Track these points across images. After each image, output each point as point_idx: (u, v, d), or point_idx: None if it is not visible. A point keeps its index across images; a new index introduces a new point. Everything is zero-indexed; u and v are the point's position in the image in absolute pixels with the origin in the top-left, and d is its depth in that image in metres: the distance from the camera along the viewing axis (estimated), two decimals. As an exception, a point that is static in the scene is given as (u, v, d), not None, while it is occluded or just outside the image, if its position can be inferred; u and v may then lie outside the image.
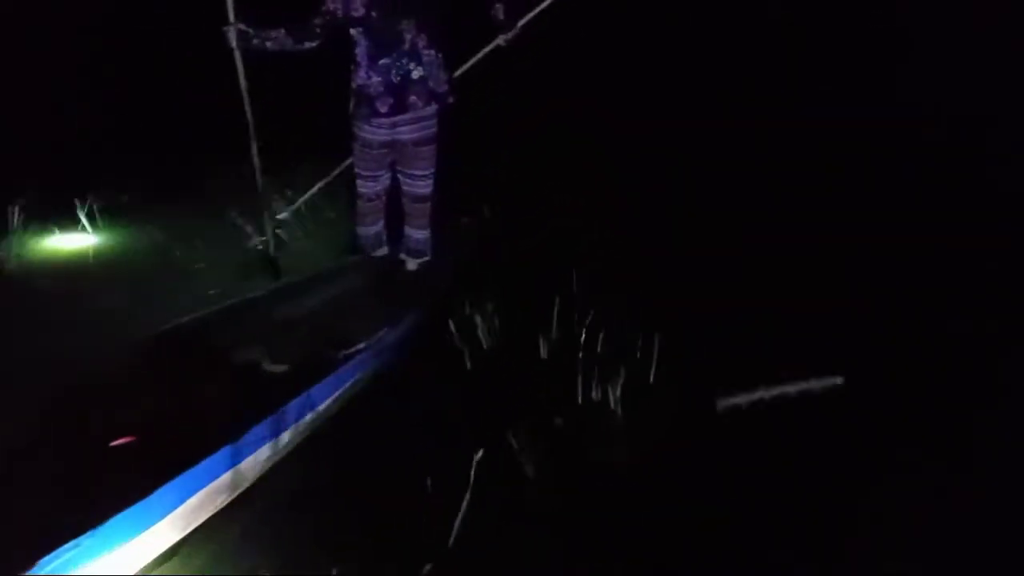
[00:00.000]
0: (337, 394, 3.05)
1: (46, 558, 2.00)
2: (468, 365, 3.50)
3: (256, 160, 3.94)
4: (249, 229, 4.36)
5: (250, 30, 3.58)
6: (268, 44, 3.59)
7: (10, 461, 2.40)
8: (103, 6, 6.94)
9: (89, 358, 3.00)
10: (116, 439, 2.56)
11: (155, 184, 4.78)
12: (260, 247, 4.27)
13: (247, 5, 3.58)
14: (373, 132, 3.75)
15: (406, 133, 3.74)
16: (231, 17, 3.58)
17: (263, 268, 4.11)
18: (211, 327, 3.24)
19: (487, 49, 3.89)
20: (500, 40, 3.80)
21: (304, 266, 4.15)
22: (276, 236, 4.23)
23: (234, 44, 3.61)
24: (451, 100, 3.82)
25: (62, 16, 6.63)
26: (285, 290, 3.76)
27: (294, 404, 2.80)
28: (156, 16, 6.85)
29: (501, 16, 3.71)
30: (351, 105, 3.75)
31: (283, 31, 3.57)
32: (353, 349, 3.19)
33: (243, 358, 3.11)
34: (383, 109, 3.66)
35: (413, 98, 3.66)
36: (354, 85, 3.69)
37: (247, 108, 3.81)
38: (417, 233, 4.14)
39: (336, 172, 4.29)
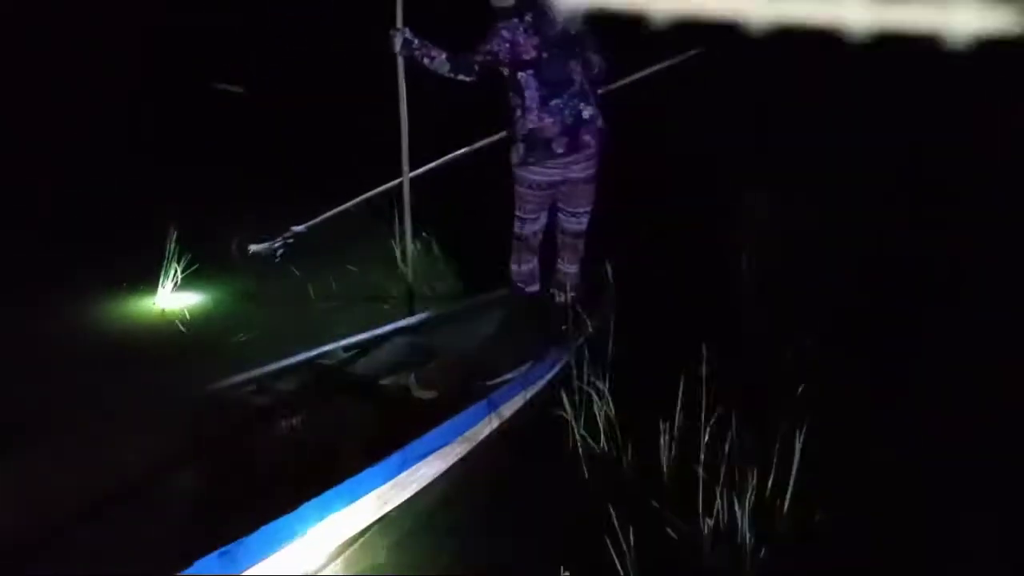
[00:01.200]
0: (482, 422, 3.06)
1: (200, 560, 2.13)
2: (578, 444, 3.12)
3: (407, 182, 4.01)
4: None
5: (415, 40, 3.67)
6: (427, 60, 3.68)
7: (169, 473, 2.65)
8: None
9: (247, 381, 3.17)
10: (274, 455, 2.82)
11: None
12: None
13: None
14: (544, 173, 3.74)
15: (578, 171, 3.74)
16: (399, 22, 3.68)
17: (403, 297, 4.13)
18: (362, 354, 3.47)
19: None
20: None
21: (453, 297, 4.26)
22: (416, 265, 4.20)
23: (398, 49, 3.70)
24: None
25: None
26: (436, 320, 3.86)
27: (439, 430, 2.83)
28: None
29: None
30: (518, 151, 3.72)
31: (445, 55, 3.65)
32: (499, 380, 3.23)
33: (394, 384, 3.28)
34: (560, 150, 3.66)
35: (587, 137, 3.69)
36: (524, 130, 3.67)
37: (403, 115, 3.90)
38: (570, 268, 4.13)
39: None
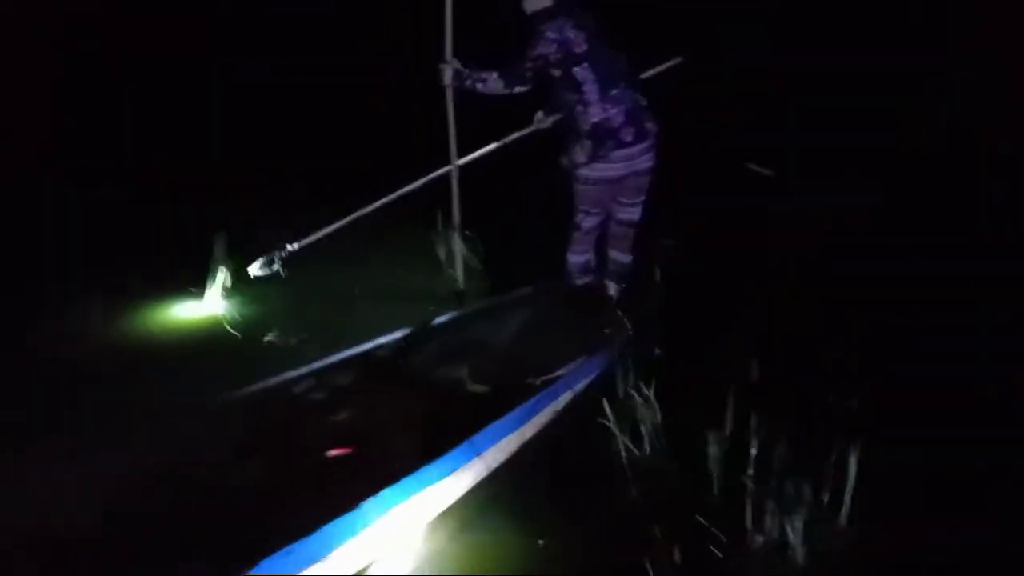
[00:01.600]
0: (532, 420, 3.00)
1: (265, 560, 2.14)
2: (623, 454, 3.00)
3: (456, 191, 4.00)
4: None
5: (464, 69, 3.69)
6: (479, 86, 3.66)
7: (230, 471, 2.69)
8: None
9: (301, 378, 3.15)
10: (329, 450, 2.81)
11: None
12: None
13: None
14: (611, 169, 3.65)
15: (644, 162, 3.66)
16: (448, 55, 3.70)
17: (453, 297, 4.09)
18: (415, 348, 3.44)
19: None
20: None
21: (503, 287, 4.13)
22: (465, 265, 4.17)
23: (448, 81, 3.72)
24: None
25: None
26: (487, 312, 3.85)
27: (492, 428, 2.79)
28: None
29: None
30: (585, 147, 3.61)
31: (495, 74, 3.62)
32: (551, 376, 3.17)
33: (447, 377, 3.28)
34: (628, 138, 3.58)
35: (649, 124, 3.64)
36: (588, 124, 3.58)
37: (452, 143, 3.92)
38: (623, 256, 4.05)
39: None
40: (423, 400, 3.11)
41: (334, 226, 4.08)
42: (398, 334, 3.47)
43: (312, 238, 4.10)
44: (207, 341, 3.91)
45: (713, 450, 2.80)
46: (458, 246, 4.18)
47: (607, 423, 2.95)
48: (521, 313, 3.88)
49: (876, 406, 2.95)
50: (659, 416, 2.98)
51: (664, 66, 4.32)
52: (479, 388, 3.26)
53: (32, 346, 3.74)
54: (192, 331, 4.00)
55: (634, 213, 3.90)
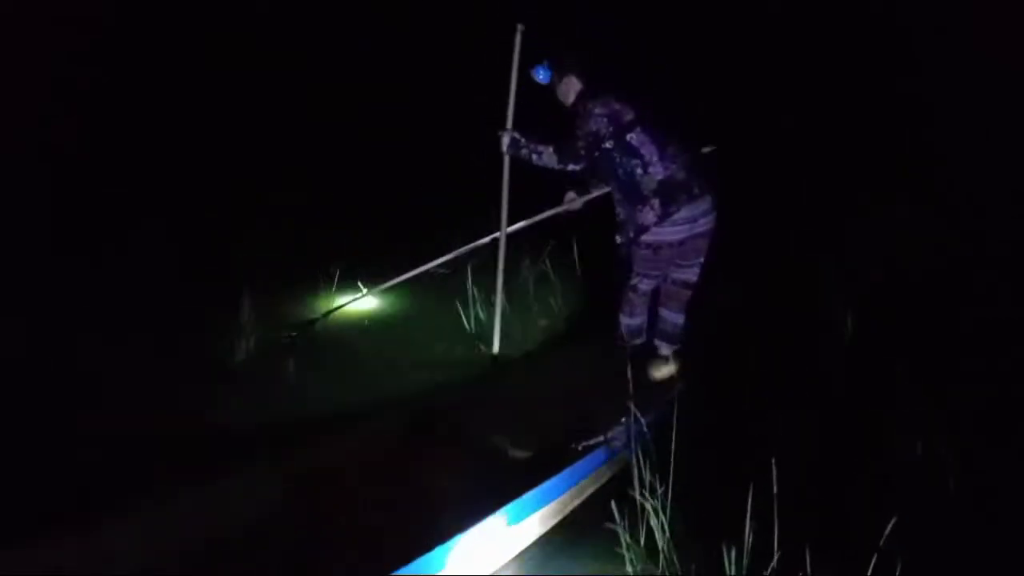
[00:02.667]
0: (572, 487, 3.00)
1: None
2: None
3: (502, 255, 4.05)
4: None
5: (522, 139, 3.80)
6: (534, 157, 3.77)
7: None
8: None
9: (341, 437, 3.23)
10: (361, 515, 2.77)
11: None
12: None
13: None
14: (675, 231, 3.64)
15: (705, 224, 3.66)
16: (509, 123, 3.85)
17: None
18: (458, 407, 3.46)
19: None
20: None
21: (554, 347, 4.26)
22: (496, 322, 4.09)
23: (505, 149, 3.84)
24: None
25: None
26: (537, 370, 3.89)
27: (530, 496, 2.75)
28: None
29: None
30: (654, 207, 3.60)
31: (551, 148, 3.72)
32: (592, 442, 3.13)
33: (489, 442, 3.26)
34: (696, 190, 3.60)
35: (705, 180, 3.66)
36: (655, 184, 3.59)
37: (503, 210, 4.00)
38: (675, 316, 3.96)
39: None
40: (459, 464, 3.08)
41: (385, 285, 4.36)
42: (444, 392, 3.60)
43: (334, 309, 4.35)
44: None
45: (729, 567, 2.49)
46: (498, 309, 4.07)
47: (615, 526, 2.68)
48: (573, 373, 3.80)
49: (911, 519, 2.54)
50: (668, 528, 2.68)
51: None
52: (520, 454, 3.22)
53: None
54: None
55: (691, 274, 3.83)
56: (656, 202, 3.59)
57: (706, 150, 4.04)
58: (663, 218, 3.59)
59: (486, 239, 4.19)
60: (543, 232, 4.54)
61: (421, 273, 4.44)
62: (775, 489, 2.47)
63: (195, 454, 3.18)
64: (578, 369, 3.85)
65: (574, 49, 3.84)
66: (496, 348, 3.98)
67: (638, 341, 4.02)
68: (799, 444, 3.12)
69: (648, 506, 2.64)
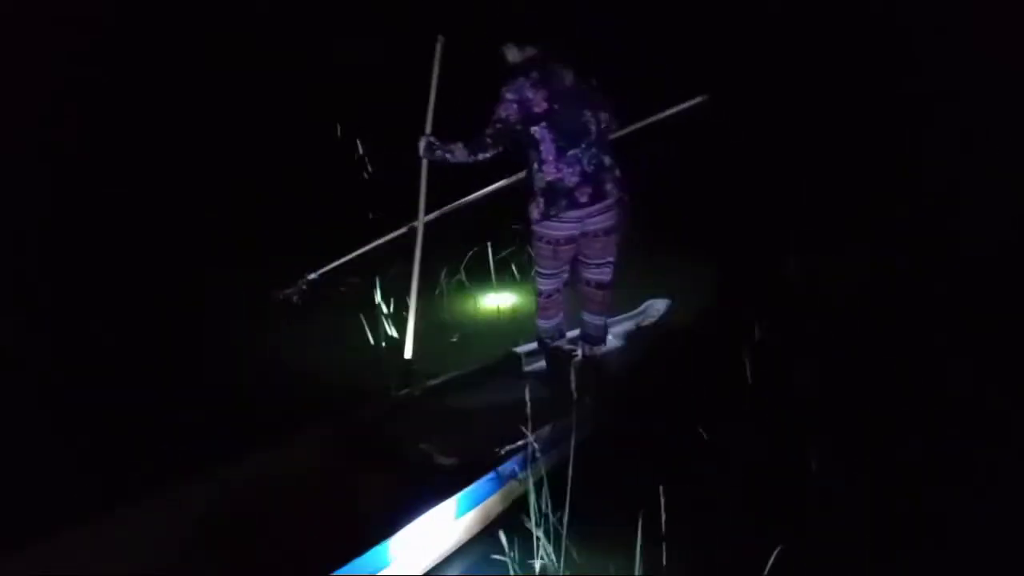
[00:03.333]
0: (500, 490, 2.98)
1: None
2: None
3: (418, 254, 3.94)
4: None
5: (436, 142, 3.73)
6: (448, 156, 3.69)
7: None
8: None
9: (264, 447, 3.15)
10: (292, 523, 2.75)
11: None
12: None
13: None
14: (563, 228, 3.61)
15: (599, 223, 3.61)
16: (428, 128, 3.81)
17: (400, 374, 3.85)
18: (385, 418, 3.45)
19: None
20: None
21: (479, 355, 4.12)
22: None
23: (422, 153, 3.77)
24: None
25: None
26: (458, 379, 3.81)
27: (457, 498, 2.76)
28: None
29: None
30: (538, 205, 3.60)
31: (461, 144, 3.64)
32: (515, 445, 3.06)
33: (415, 451, 3.19)
34: (583, 199, 3.54)
35: (609, 185, 3.58)
36: (542, 183, 3.57)
37: (421, 207, 3.93)
38: (595, 319, 3.92)
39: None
40: (390, 473, 3.03)
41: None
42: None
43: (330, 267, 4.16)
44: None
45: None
46: (412, 313, 3.92)
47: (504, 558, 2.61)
48: (495, 378, 3.82)
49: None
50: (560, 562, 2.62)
51: (686, 104, 4.03)
52: (447, 461, 3.15)
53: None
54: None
55: (602, 274, 3.78)
56: (541, 201, 3.57)
57: (696, 100, 3.97)
58: (544, 217, 3.58)
59: (404, 228, 4.07)
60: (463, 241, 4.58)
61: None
62: (663, 517, 2.47)
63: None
64: (494, 377, 3.83)
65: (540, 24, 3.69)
66: (409, 353, 3.86)
67: (558, 343, 3.95)
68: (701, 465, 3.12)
69: (539, 534, 2.57)
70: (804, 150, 6.22)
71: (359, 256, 4.16)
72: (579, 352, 3.95)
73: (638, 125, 3.98)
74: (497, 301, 5.07)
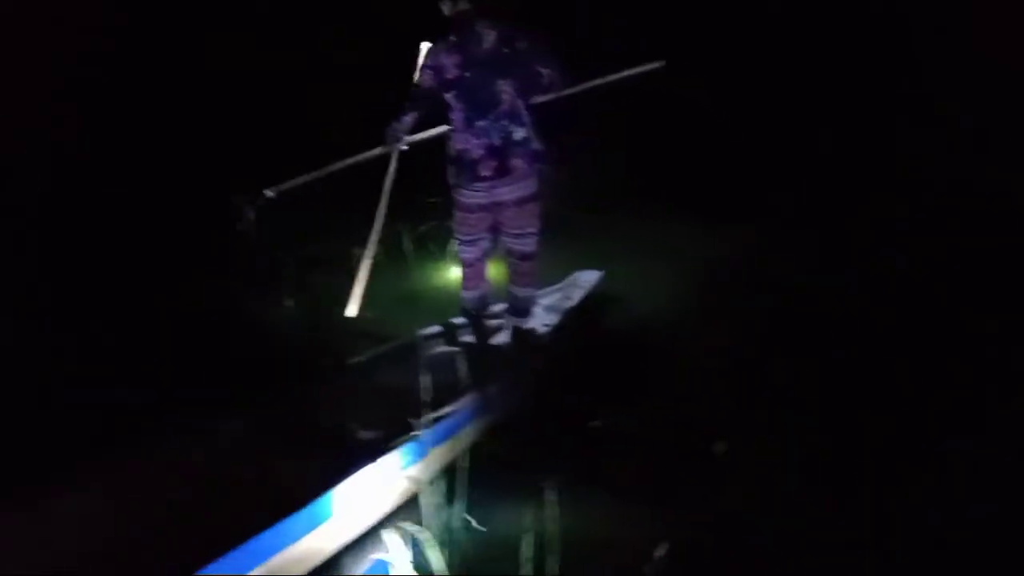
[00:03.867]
0: (422, 461, 2.90)
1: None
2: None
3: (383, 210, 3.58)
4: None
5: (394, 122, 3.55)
6: (404, 124, 3.54)
7: None
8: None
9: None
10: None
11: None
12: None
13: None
14: (472, 196, 3.56)
15: (507, 194, 3.53)
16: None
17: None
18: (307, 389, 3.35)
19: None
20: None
21: (407, 325, 3.88)
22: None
23: (387, 143, 3.56)
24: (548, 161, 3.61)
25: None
26: (386, 353, 3.64)
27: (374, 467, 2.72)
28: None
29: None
30: (450, 172, 3.57)
31: (407, 109, 3.53)
32: (437, 414, 2.98)
33: (334, 422, 3.07)
34: (486, 173, 3.47)
35: (516, 160, 3.47)
36: (452, 152, 3.53)
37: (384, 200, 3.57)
38: (521, 291, 3.85)
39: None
40: (303, 447, 2.93)
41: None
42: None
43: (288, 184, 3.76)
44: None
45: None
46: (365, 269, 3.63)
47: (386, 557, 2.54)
48: (420, 349, 3.64)
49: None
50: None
51: (641, 69, 3.90)
52: (366, 434, 3.02)
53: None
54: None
55: (523, 244, 3.69)
56: (452, 169, 3.54)
57: (653, 66, 3.86)
58: (453, 186, 3.57)
59: (377, 150, 3.68)
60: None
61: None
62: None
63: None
64: (443, 343, 3.75)
65: None
66: (353, 311, 3.68)
67: (485, 314, 3.85)
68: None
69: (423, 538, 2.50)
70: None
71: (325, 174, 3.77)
72: (505, 324, 3.84)
73: (588, 85, 3.80)
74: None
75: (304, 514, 2.49)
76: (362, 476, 2.67)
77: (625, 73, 3.89)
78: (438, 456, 2.95)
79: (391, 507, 2.81)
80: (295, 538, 2.48)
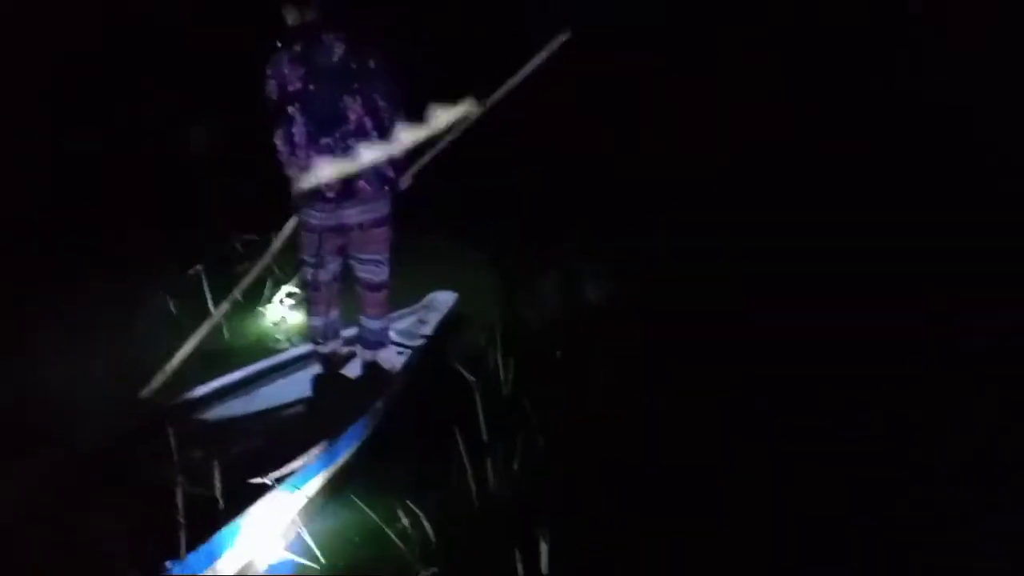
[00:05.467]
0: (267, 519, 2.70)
1: None
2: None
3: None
4: None
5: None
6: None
7: None
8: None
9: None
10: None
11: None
12: None
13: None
14: (316, 216, 3.33)
15: (353, 216, 3.33)
16: None
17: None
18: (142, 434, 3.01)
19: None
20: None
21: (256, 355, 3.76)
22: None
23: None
24: (403, 186, 3.46)
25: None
26: (226, 389, 3.42)
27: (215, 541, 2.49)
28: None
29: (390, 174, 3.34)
30: (294, 189, 3.30)
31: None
32: (283, 471, 2.76)
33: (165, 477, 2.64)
34: (329, 195, 3.24)
35: (362, 183, 3.26)
36: (295, 168, 3.26)
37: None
38: (371, 323, 3.65)
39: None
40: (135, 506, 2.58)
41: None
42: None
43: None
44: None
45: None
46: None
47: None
48: (265, 386, 3.52)
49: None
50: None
51: (552, 45, 3.46)
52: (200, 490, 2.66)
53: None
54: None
55: (370, 272, 3.50)
56: (296, 187, 3.28)
57: (560, 39, 3.43)
58: (298, 205, 3.34)
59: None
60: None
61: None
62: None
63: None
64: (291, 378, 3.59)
65: None
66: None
67: (330, 347, 3.64)
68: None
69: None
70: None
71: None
72: (355, 354, 3.68)
73: (507, 87, 3.47)
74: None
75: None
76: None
77: (537, 58, 3.46)
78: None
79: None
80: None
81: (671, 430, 3.27)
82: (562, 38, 3.46)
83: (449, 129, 3.35)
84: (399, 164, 3.35)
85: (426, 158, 3.51)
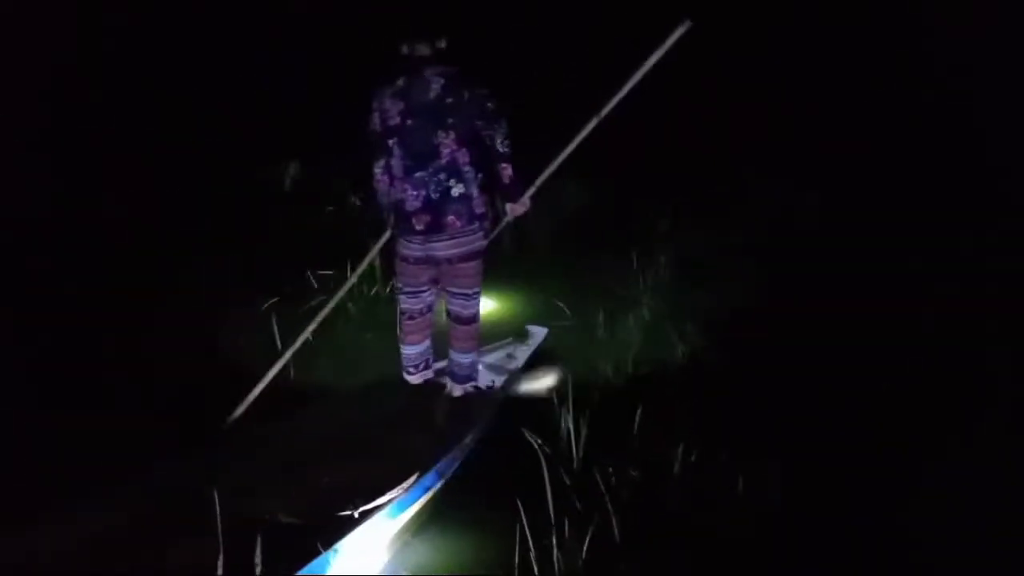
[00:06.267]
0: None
1: None
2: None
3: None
4: None
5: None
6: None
7: None
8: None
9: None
10: None
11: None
12: None
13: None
14: (408, 246, 3.44)
15: (442, 250, 3.39)
16: None
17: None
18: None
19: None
20: (508, 212, 3.57)
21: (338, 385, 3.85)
22: None
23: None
24: (521, 210, 3.54)
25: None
26: (312, 417, 3.45)
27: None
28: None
29: (506, 181, 3.38)
30: (390, 219, 3.47)
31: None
32: (372, 505, 2.76)
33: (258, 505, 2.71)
34: (419, 227, 3.33)
35: (451, 218, 3.32)
36: (392, 198, 3.40)
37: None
38: (462, 357, 3.66)
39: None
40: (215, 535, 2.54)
41: None
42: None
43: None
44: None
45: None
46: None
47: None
48: (352, 416, 3.46)
49: None
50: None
51: (675, 36, 3.40)
52: (291, 520, 2.70)
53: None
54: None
55: (459, 306, 3.55)
56: (391, 217, 3.43)
57: (682, 29, 3.36)
58: (395, 234, 3.48)
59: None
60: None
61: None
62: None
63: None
64: (379, 409, 3.54)
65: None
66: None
67: (420, 376, 3.69)
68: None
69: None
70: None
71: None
72: (452, 389, 3.67)
73: (631, 83, 3.45)
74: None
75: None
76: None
77: (660, 50, 3.41)
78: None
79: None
80: None
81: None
82: (682, 29, 3.40)
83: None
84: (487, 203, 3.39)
85: (543, 177, 3.61)
